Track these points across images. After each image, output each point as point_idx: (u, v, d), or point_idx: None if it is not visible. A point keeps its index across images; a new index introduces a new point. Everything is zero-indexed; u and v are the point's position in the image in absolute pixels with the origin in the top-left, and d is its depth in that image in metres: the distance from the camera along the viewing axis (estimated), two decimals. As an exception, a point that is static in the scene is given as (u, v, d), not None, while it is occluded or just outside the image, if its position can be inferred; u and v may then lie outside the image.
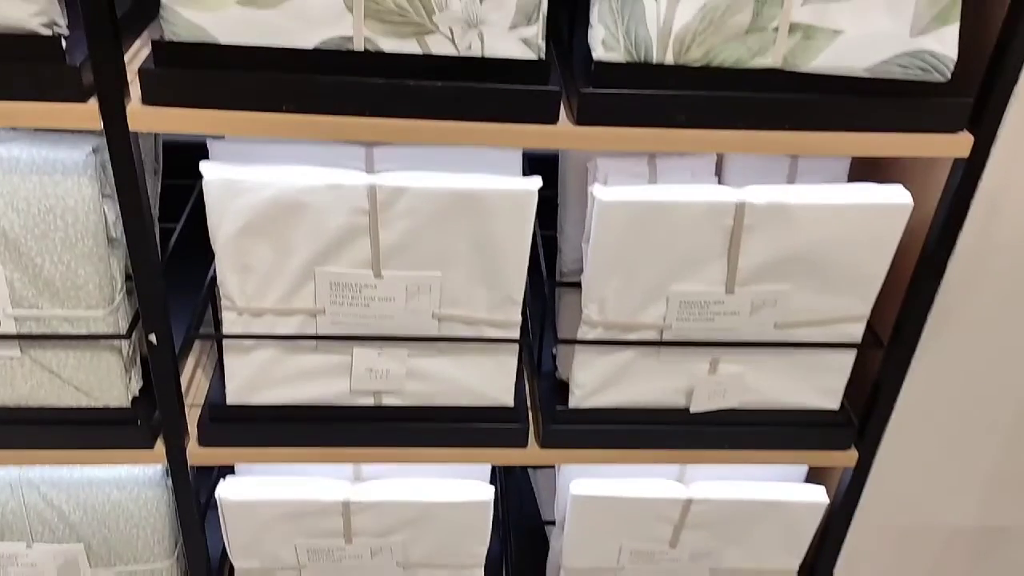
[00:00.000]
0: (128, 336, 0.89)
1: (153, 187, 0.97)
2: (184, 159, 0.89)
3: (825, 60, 0.78)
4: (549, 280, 1.01)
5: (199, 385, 1.03)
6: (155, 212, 0.99)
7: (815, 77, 0.79)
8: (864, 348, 0.96)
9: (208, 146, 0.85)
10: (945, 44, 0.77)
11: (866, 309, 0.93)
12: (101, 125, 0.75)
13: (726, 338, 0.93)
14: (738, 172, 0.92)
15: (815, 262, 0.89)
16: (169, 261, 0.97)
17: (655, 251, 0.87)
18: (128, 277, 0.88)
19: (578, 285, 0.93)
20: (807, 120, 0.81)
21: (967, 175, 0.84)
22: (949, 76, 0.78)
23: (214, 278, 0.91)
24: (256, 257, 0.86)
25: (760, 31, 0.77)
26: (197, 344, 1.09)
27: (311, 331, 0.90)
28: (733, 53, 0.78)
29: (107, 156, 0.78)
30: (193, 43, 0.74)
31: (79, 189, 0.80)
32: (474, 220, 0.85)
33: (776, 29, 0.77)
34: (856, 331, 0.95)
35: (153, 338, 0.87)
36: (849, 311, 0.93)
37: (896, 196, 0.86)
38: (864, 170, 0.94)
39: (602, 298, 0.90)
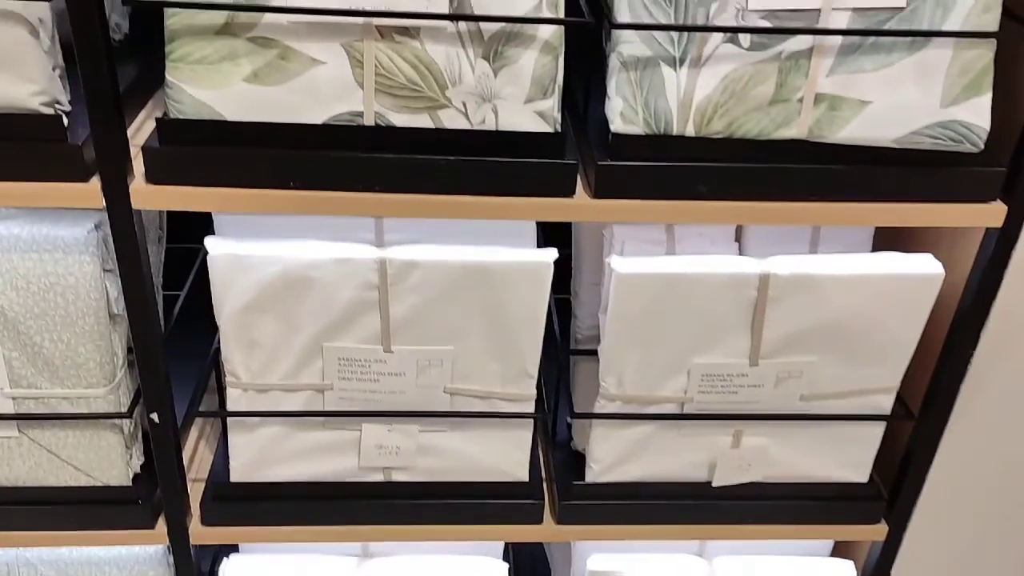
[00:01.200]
0: (129, 415, 0.85)
1: (156, 256, 0.95)
2: (189, 221, 0.86)
3: (852, 131, 0.75)
4: (564, 348, 0.98)
5: (203, 458, 1.00)
6: (158, 281, 0.97)
7: (841, 147, 0.76)
8: (894, 420, 0.92)
9: (214, 219, 0.82)
10: (978, 114, 0.74)
11: (896, 380, 0.90)
12: (103, 204, 0.73)
13: (750, 411, 0.90)
14: (759, 238, 0.89)
15: (842, 333, 0.85)
16: (172, 330, 0.94)
17: (676, 323, 0.84)
18: (130, 349, 0.85)
19: (594, 353, 0.90)
20: (833, 191, 0.78)
21: (1000, 244, 0.81)
22: (982, 147, 0.76)
23: (218, 350, 0.88)
24: (262, 333, 0.83)
25: (784, 102, 0.74)
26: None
27: (318, 407, 0.87)
28: (756, 125, 0.75)
29: (109, 230, 0.76)
30: (198, 120, 0.71)
31: (80, 266, 0.78)
32: (488, 293, 0.82)
33: (801, 100, 0.74)
34: (886, 403, 0.91)
35: (155, 417, 0.84)
36: (878, 382, 0.90)
37: (926, 266, 0.83)
38: (890, 234, 0.91)
39: (620, 371, 0.87)
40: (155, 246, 0.94)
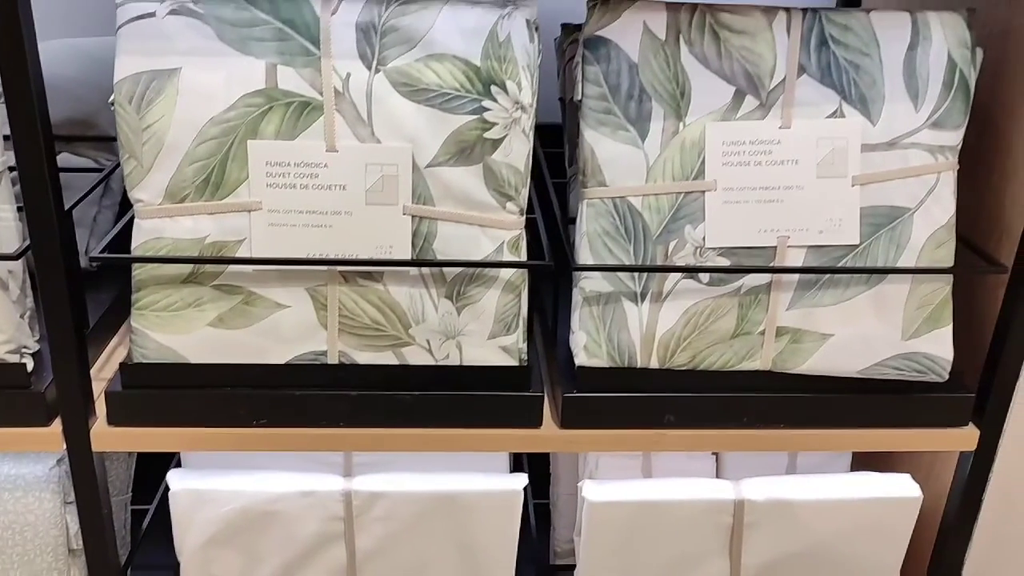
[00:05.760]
0: (83, 657, 0.82)
1: (126, 472, 0.94)
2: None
3: (815, 363, 0.75)
4: (543, 567, 0.95)
5: None
6: (126, 497, 0.95)
7: (807, 376, 0.76)
8: (885, 644, 0.88)
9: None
10: (940, 346, 0.74)
11: (883, 603, 0.86)
12: (64, 448, 0.72)
13: (734, 637, 0.86)
14: (736, 454, 0.88)
15: (824, 557, 0.83)
16: (142, 542, 0.92)
17: (652, 548, 0.82)
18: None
19: (572, 568, 0.87)
20: (802, 419, 0.77)
21: (976, 468, 0.80)
22: (946, 376, 0.75)
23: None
24: (224, 568, 0.80)
25: (746, 335, 0.75)
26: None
27: (282, 641, 0.83)
28: (720, 357, 0.75)
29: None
30: (162, 364, 0.72)
31: (40, 504, 0.76)
32: (457, 522, 0.80)
33: (763, 333, 0.75)
34: (875, 625, 0.88)
35: (110, 658, 0.81)
36: (865, 605, 0.86)
37: (904, 489, 0.81)
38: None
39: (597, 598, 0.84)
40: (123, 462, 0.93)
